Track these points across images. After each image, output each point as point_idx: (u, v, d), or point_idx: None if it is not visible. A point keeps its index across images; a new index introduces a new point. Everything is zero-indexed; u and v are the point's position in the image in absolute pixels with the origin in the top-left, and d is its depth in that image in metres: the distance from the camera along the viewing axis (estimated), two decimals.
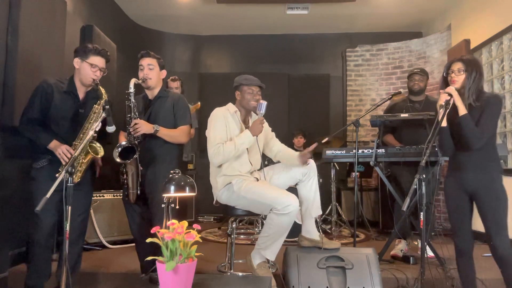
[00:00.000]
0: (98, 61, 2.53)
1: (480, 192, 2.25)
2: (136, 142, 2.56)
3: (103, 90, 2.49)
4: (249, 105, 2.65)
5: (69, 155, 2.35)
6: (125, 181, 2.61)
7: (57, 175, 2.32)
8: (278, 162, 2.82)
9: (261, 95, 2.68)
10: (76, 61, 2.52)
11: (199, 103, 4.13)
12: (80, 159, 2.41)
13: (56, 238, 2.57)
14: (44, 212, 2.24)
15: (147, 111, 2.75)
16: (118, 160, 2.51)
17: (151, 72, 2.73)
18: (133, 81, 2.61)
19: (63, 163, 2.36)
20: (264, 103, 2.56)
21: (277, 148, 2.81)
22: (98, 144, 2.42)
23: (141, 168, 2.62)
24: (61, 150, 2.35)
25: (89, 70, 2.50)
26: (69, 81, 2.56)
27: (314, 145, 2.62)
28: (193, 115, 4.10)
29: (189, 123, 2.83)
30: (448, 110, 2.23)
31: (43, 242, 2.42)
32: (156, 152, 2.70)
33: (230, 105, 2.72)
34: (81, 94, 2.56)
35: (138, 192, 2.62)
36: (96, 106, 2.49)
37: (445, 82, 2.36)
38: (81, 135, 2.44)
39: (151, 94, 2.80)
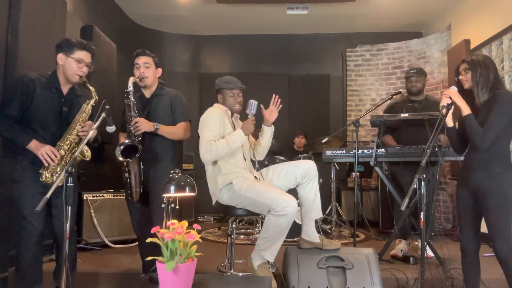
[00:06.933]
0: (84, 56, 2.38)
1: (483, 191, 2.23)
2: (137, 140, 2.56)
3: (92, 89, 2.41)
4: (233, 109, 2.70)
5: (53, 157, 2.24)
6: (128, 180, 2.61)
7: (41, 179, 2.27)
8: (281, 161, 2.81)
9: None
10: (60, 57, 2.36)
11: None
12: (65, 160, 2.31)
13: (54, 239, 2.50)
14: (34, 215, 2.22)
15: (145, 110, 2.75)
16: (120, 158, 2.50)
17: (147, 70, 2.73)
18: (131, 79, 2.61)
19: (46, 164, 2.25)
20: (255, 103, 2.58)
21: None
22: (85, 147, 2.34)
23: (143, 167, 2.62)
24: (44, 151, 2.23)
25: (75, 66, 2.35)
26: (52, 76, 2.39)
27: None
28: None
29: (188, 119, 2.84)
30: (451, 109, 2.26)
31: (34, 247, 2.31)
32: (157, 150, 2.70)
33: (218, 105, 2.72)
34: (64, 91, 2.42)
35: (141, 190, 2.63)
36: (86, 106, 2.40)
37: (459, 85, 2.37)
38: (68, 135, 2.34)
39: (147, 93, 2.81)
